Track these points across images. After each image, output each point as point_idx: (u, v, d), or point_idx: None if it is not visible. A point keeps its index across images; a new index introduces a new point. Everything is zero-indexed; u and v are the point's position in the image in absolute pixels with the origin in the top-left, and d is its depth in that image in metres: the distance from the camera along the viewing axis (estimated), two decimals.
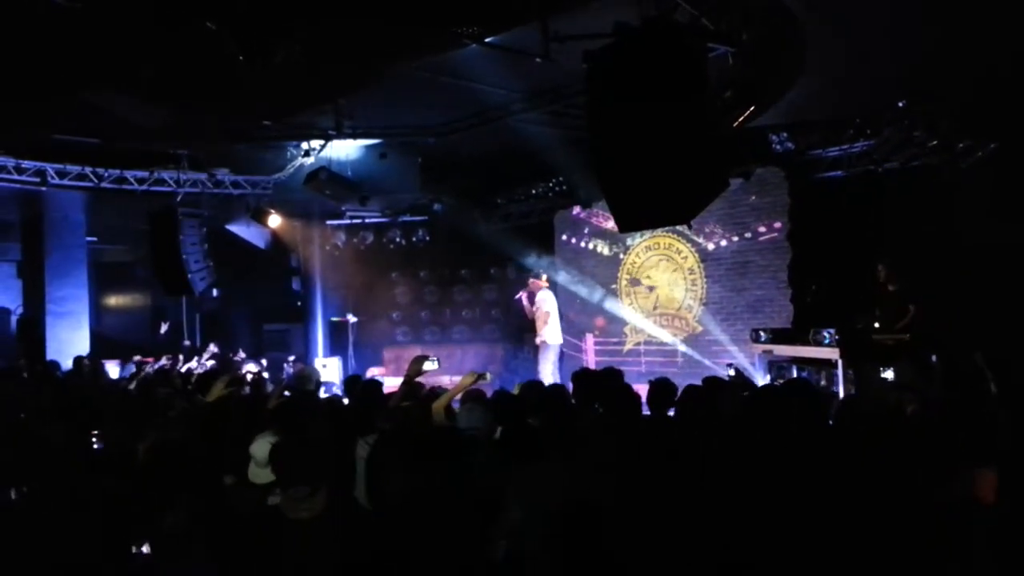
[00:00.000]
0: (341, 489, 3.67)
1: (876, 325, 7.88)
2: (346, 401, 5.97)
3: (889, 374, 5.82)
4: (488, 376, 5.35)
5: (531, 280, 11.34)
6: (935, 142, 8.67)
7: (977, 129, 8.41)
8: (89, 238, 13.63)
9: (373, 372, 13.12)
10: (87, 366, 9.77)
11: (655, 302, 12.28)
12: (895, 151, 9.12)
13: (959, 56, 7.38)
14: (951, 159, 8.68)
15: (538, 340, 10.99)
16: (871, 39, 7.04)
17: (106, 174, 11.40)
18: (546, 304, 10.93)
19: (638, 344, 12.46)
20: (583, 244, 13.21)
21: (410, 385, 4.82)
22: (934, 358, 7.09)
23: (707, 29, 6.40)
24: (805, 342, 8.08)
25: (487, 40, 7.26)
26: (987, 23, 6.62)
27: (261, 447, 3.72)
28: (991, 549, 2.91)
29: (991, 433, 3.76)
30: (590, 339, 13.03)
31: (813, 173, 10.23)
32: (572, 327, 13.31)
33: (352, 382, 6.46)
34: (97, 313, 14.76)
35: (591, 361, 12.83)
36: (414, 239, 14.45)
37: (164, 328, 9.32)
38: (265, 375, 9.47)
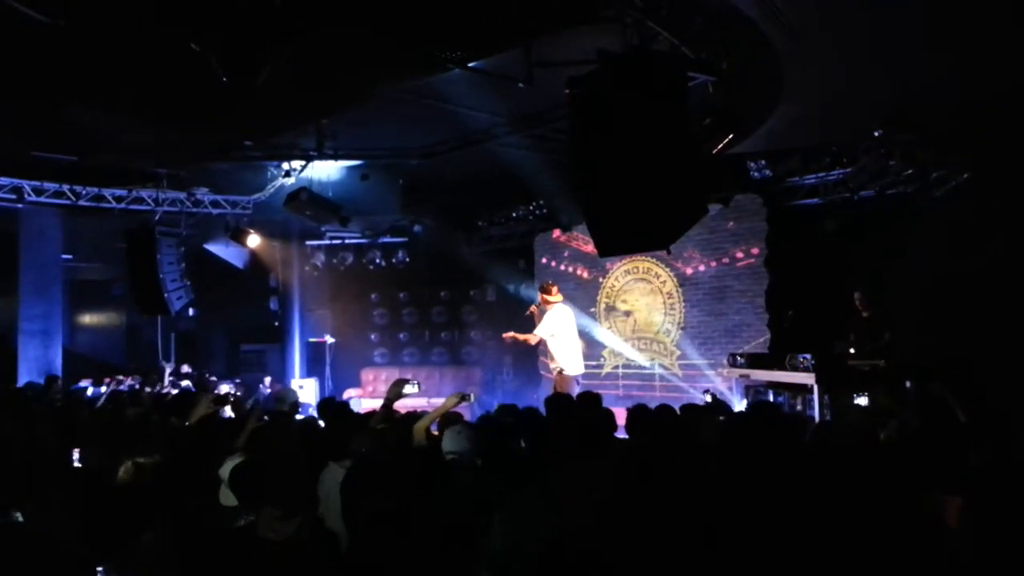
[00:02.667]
0: (314, 513, 3.63)
1: (851, 351, 7.95)
2: (321, 423, 5.93)
3: (863, 400, 5.86)
4: (471, 398, 5.34)
5: (540, 294, 9.18)
6: (910, 171, 8.80)
7: (951, 159, 8.56)
8: (65, 256, 13.49)
9: (351, 394, 13.06)
10: (59, 387, 9.65)
11: (633, 326, 12.32)
12: (871, 179, 9.26)
13: (935, 87, 7.53)
14: (925, 188, 8.82)
15: (555, 369, 9.02)
16: (849, 69, 7.17)
17: (84, 191, 11.34)
18: (556, 322, 8.84)
19: (616, 368, 12.48)
20: (563, 267, 13.24)
21: (389, 408, 4.80)
22: (908, 384, 7.16)
23: (687, 58, 6.49)
24: (781, 367, 8.13)
25: (470, 64, 7.32)
26: (962, 56, 6.77)
27: (227, 469, 3.69)
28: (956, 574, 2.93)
29: (960, 460, 3.80)
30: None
31: (790, 200, 10.36)
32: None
33: (327, 404, 6.42)
34: (71, 331, 14.58)
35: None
36: (394, 260, 14.43)
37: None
38: (241, 395, 9.38)
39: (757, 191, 10.51)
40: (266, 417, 5.22)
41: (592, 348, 12.78)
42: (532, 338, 8.92)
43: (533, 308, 9.26)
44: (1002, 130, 7.94)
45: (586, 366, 12.49)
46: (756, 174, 10.06)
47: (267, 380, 12.85)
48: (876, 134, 8.63)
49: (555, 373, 9.03)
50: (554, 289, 9.09)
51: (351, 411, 5.39)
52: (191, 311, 13.80)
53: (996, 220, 8.37)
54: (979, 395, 5.99)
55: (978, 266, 8.30)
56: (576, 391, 8.36)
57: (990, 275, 8.16)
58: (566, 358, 8.82)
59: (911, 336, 8.15)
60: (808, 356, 7.71)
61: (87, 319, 16.44)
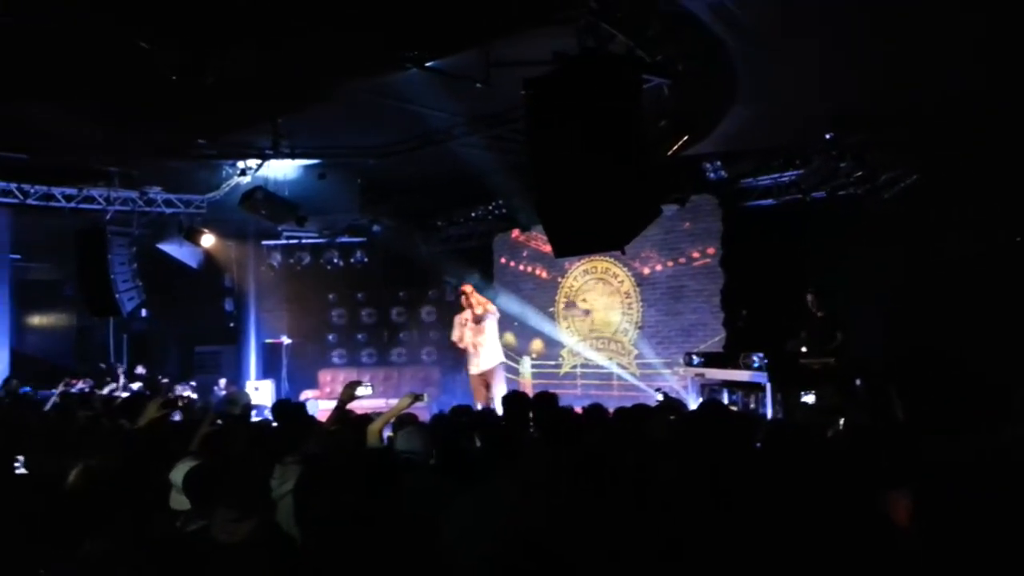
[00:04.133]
0: (268, 515, 3.60)
1: (803, 349, 8.09)
2: (275, 425, 5.87)
3: (811, 398, 5.99)
4: (425, 398, 5.33)
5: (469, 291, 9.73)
6: (860, 173, 8.99)
7: (900, 161, 8.76)
8: (13, 255, 13.16)
9: (308, 395, 12.94)
10: (14, 386, 9.44)
11: (591, 325, 12.40)
12: (822, 181, 9.43)
13: (885, 90, 7.70)
14: (875, 189, 9.02)
15: (494, 364, 9.59)
16: (802, 73, 7.29)
17: (32, 190, 11.07)
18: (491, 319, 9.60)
19: (575, 367, 12.55)
20: (521, 267, 13.28)
21: (342, 410, 4.77)
22: (858, 382, 7.32)
23: (643, 60, 6.56)
24: (736, 366, 8.26)
25: (428, 64, 7.31)
26: (910, 61, 6.93)
27: (179, 473, 3.64)
28: (904, 571, 3.00)
29: (909, 457, 3.88)
30: (527, 362, 13.06)
31: (745, 201, 10.52)
32: (510, 350, 13.35)
33: (281, 406, 6.36)
34: (19, 333, 14.22)
35: (528, 384, 12.86)
36: (352, 260, 14.31)
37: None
38: (194, 397, 9.25)
39: (712, 192, 10.65)
40: (219, 420, 5.15)
41: (551, 348, 12.85)
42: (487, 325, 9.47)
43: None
44: (950, 132, 8.15)
45: (545, 366, 12.63)
46: (711, 175, 10.19)
47: (222, 382, 12.68)
48: (827, 136, 8.80)
49: (486, 367, 9.51)
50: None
51: (305, 413, 5.35)
52: (143, 312, 13.57)
53: (945, 221, 8.59)
54: (931, 391, 6.16)
55: (928, 266, 8.52)
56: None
57: (940, 275, 8.37)
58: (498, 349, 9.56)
59: (862, 336, 8.31)
60: (761, 355, 7.85)
61: (36, 320, 16.05)
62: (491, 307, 9.61)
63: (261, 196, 10.22)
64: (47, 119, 8.56)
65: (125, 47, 5.84)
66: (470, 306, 9.51)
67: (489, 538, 3.29)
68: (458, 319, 9.76)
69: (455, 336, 9.73)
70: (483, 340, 9.49)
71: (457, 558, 3.33)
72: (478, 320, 9.44)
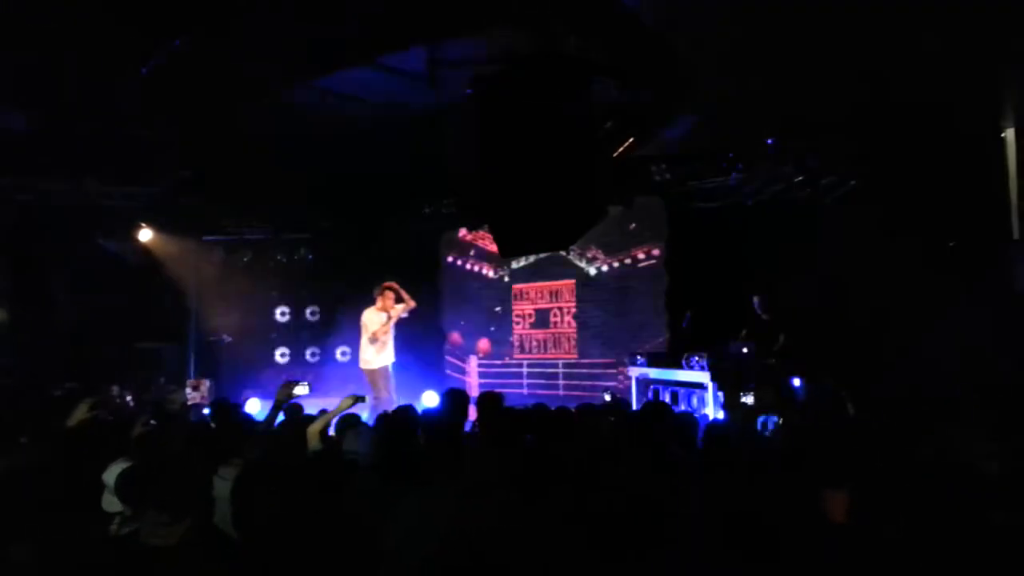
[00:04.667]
0: (203, 516, 3.52)
1: (744, 351, 8.23)
2: (213, 425, 5.75)
3: (749, 399, 6.11)
4: (367, 398, 5.29)
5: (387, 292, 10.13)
6: (800, 177, 9.18)
7: (840, 166, 8.96)
8: None
9: (251, 398, 12.70)
10: None
11: (537, 324, 12.44)
12: (765, 185, 9.61)
13: (828, 99, 7.86)
14: (815, 194, 9.21)
15: (389, 362, 10.08)
16: (747, 79, 7.40)
17: None
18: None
19: (520, 367, 12.57)
20: (468, 266, 13.26)
21: (280, 409, 4.69)
22: (796, 383, 7.47)
23: (591, 61, 6.58)
24: (679, 366, 8.37)
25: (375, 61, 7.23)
26: (850, 68, 7.09)
27: (112, 474, 3.54)
28: (840, 568, 3.06)
29: (845, 455, 3.97)
30: (473, 361, 13.05)
31: (689, 203, 10.65)
32: (456, 349, 13.32)
33: (218, 405, 6.23)
34: None
35: (475, 384, 12.84)
36: (296, 257, 14.11)
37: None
38: (128, 398, 9.01)
39: (659, 194, 10.76)
40: (153, 420, 5.03)
41: (498, 347, 12.85)
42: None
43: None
44: (889, 139, 8.36)
45: (492, 364, 12.63)
46: (658, 177, 10.30)
47: (161, 380, 12.38)
48: (769, 141, 8.97)
49: (389, 361, 10.00)
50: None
51: (244, 413, 5.25)
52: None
53: (884, 225, 8.81)
54: (867, 393, 6.31)
55: (868, 269, 8.73)
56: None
57: (880, 278, 8.58)
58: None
59: (803, 337, 8.48)
60: (703, 355, 7.97)
61: None
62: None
63: None
64: None
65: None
66: (400, 301, 10.04)
67: (432, 540, 3.27)
68: (379, 313, 10.04)
69: (381, 329, 9.94)
70: (387, 339, 10.06)
71: (400, 560, 3.31)
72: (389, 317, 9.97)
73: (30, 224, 11.35)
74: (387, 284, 10.14)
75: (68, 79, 7.58)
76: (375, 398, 9.58)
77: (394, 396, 9.78)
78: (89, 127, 9.37)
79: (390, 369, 10.05)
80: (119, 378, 12.11)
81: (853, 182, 8.93)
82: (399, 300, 10.11)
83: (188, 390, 11.69)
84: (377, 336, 9.88)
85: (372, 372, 9.89)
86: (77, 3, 5.34)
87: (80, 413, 5.09)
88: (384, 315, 9.96)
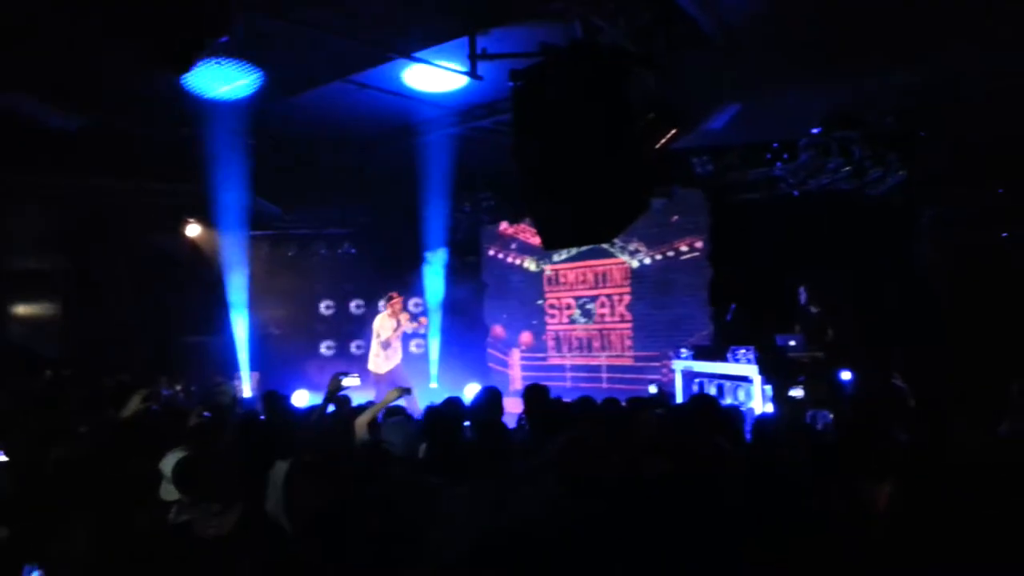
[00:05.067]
0: (254, 507, 3.59)
1: (792, 343, 8.13)
2: (263, 417, 5.85)
3: (799, 392, 6.02)
4: (412, 391, 5.33)
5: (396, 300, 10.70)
6: (848, 168, 9.02)
7: (888, 156, 8.79)
8: None
9: (301, 393, 12.87)
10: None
11: (580, 318, 12.41)
12: (810, 176, 9.46)
13: (873, 87, 7.72)
14: (862, 185, 9.05)
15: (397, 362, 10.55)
16: (790, 68, 7.30)
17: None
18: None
19: (563, 360, 12.56)
20: (510, 259, 13.27)
21: (330, 401, 4.75)
22: (847, 376, 7.36)
23: (631, 52, 6.53)
24: (724, 359, 8.29)
25: (414, 55, 7.27)
26: (896, 58, 6.95)
27: (169, 463, 3.63)
28: (883, 560, 3.01)
29: (891, 450, 3.91)
30: (516, 354, 13.07)
31: (732, 195, 10.53)
32: (499, 342, 13.35)
33: (269, 398, 6.33)
34: (2, 322, 14.10)
35: (517, 377, 12.87)
36: (339, 251, 14.27)
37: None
38: (178, 389, 9.20)
39: (701, 186, 10.65)
40: (207, 412, 5.13)
41: (539, 340, 12.86)
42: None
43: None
44: (936, 129, 8.19)
45: (534, 358, 12.63)
46: (699, 169, 10.20)
47: (212, 375, 12.60)
48: (815, 131, 8.83)
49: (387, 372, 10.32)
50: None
51: (292, 405, 5.33)
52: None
53: (932, 216, 8.65)
54: (917, 385, 6.20)
55: (916, 260, 8.58)
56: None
57: (928, 269, 8.43)
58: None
59: (852, 330, 8.35)
60: (751, 348, 7.88)
61: (21, 310, 15.89)
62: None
63: None
64: (27, 106, 8.46)
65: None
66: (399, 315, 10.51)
67: (476, 532, 3.28)
68: (390, 319, 10.47)
69: (393, 335, 10.42)
70: (397, 345, 10.58)
71: (445, 552, 3.33)
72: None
73: (82, 221, 11.64)
74: (393, 293, 10.70)
75: (118, 79, 7.75)
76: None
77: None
78: (138, 126, 9.58)
79: (395, 375, 10.40)
80: (168, 371, 12.36)
81: (902, 172, 8.75)
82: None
83: (237, 382, 11.89)
84: (390, 341, 10.35)
85: (380, 376, 10.27)
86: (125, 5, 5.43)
87: (134, 404, 5.21)
88: (395, 321, 10.39)
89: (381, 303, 10.79)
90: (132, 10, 5.30)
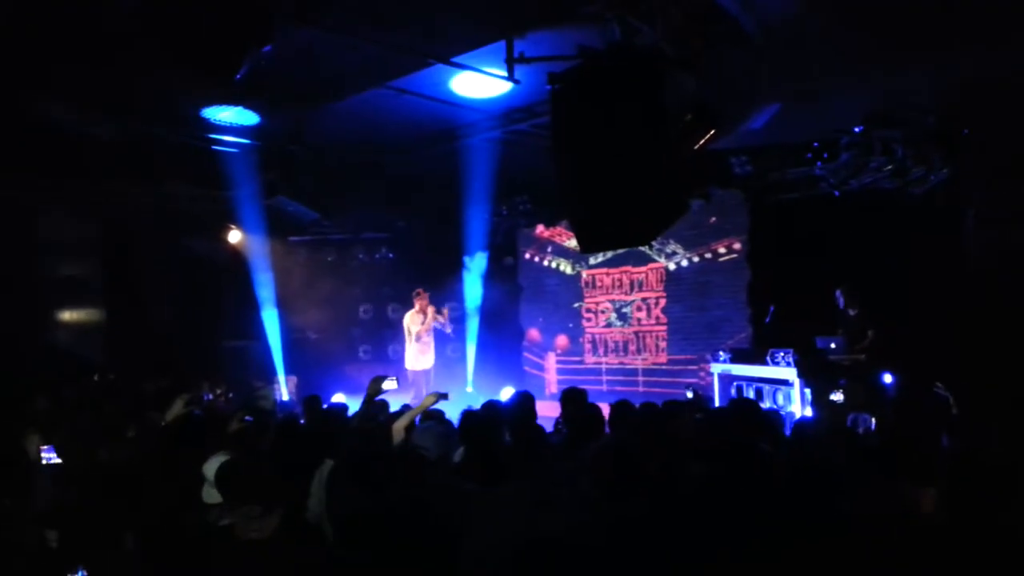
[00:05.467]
0: (295, 510, 3.62)
1: (832, 346, 8.01)
2: (302, 421, 5.90)
3: (839, 395, 5.93)
4: (450, 396, 5.34)
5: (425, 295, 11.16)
6: (890, 167, 8.87)
7: (931, 155, 8.62)
8: None
9: (339, 396, 12.98)
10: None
11: (615, 321, 12.36)
12: (851, 175, 9.31)
13: (914, 85, 7.59)
14: (905, 184, 8.89)
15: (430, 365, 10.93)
16: (830, 66, 7.20)
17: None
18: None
19: (599, 363, 12.51)
20: (546, 262, 13.26)
21: (370, 404, 4.79)
22: (888, 379, 7.23)
23: (668, 53, 6.49)
24: (763, 362, 8.19)
25: (451, 59, 7.30)
26: (937, 56, 6.83)
27: (213, 467, 3.67)
28: (930, 563, 2.96)
29: (935, 454, 3.85)
30: (552, 358, 13.05)
31: (771, 195, 10.39)
32: (534, 346, 13.34)
33: (310, 402, 6.40)
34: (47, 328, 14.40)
35: (553, 380, 12.85)
36: (377, 256, 14.37)
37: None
38: (219, 393, 9.33)
39: (739, 187, 10.54)
40: (248, 416, 5.19)
41: (575, 344, 12.82)
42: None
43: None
44: (980, 128, 8.02)
45: (569, 361, 12.60)
46: (738, 170, 10.09)
47: (253, 379, 12.74)
48: (857, 130, 8.69)
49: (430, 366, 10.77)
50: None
51: (333, 409, 5.38)
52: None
53: (976, 216, 8.46)
54: (957, 389, 6.07)
55: (960, 261, 8.40)
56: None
57: (972, 270, 8.25)
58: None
59: (894, 332, 8.20)
60: (789, 351, 7.78)
61: (66, 316, 16.22)
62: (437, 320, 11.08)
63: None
64: (65, 115, 8.65)
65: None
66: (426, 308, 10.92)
67: (511, 537, 3.28)
68: (418, 314, 10.98)
69: (423, 328, 10.90)
70: (430, 341, 10.99)
71: (480, 557, 3.33)
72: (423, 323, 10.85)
73: (123, 228, 11.85)
74: (419, 289, 11.13)
75: (158, 88, 7.89)
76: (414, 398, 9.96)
77: None
78: (177, 133, 9.75)
79: (431, 374, 10.82)
80: (209, 375, 12.54)
81: (945, 171, 8.57)
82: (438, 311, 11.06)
83: (276, 386, 12.04)
84: (420, 335, 10.71)
85: (416, 373, 10.61)
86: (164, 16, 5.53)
87: (176, 409, 5.28)
88: (423, 315, 10.76)
89: (413, 297, 11.18)
90: (175, 22, 5.40)
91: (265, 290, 13.86)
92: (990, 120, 7.91)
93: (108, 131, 9.20)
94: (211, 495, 3.71)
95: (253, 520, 3.11)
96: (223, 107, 9.08)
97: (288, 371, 13.66)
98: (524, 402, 5.14)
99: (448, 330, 11.65)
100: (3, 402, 7.14)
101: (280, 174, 11.03)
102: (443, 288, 14.47)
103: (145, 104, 8.69)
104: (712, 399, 9.01)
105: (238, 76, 5.39)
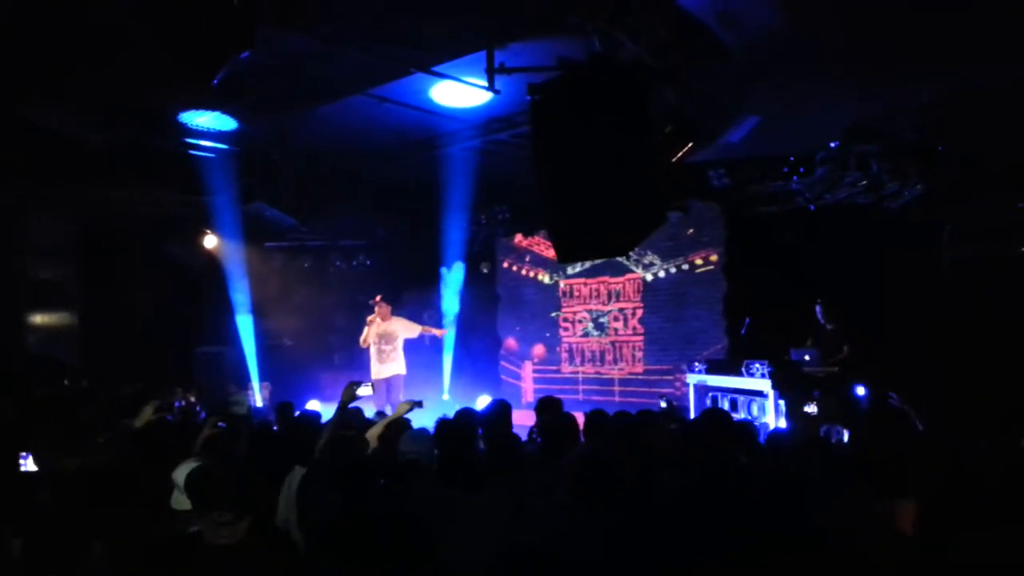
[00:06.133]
0: (265, 516, 3.58)
1: (806, 358, 8.07)
2: (276, 428, 5.86)
3: (813, 407, 5.98)
4: (424, 404, 5.33)
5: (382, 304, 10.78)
6: (865, 182, 8.98)
7: (906, 170, 8.74)
8: None
9: (313, 404, 12.89)
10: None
11: (592, 331, 12.38)
12: (827, 189, 9.41)
13: (892, 100, 7.69)
14: (879, 199, 9.00)
15: (397, 372, 10.53)
16: (810, 81, 7.28)
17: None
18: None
19: (576, 373, 12.53)
20: (524, 272, 13.27)
21: (344, 411, 4.75)
22: (861, 392, 7.30)
23: (649, 66, 6.54)
24: (738, 373, 8.24)
25: (432, 68, 7.31)
26: (915, 72, 6.92)
27: (182, 473, 3.63)
28: None
29: (912, 467, 3.87)
30: (528, 367, 13.05)
31: (749, 208, 10.49)
32: (511, 355, 13.34)
33: (282, 409, 6.35)
34: (20, 331, 14.21)
35: (529, 389, 12.84)
36: (354, 263, 14.31)
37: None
38: (192, 400, 9.23)
39: (717, 199, 10.62)
40: (221, 423, 5.14)
41: (552, 353, 12.83)
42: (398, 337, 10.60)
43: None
44: (955, 143, 8.14)
45: (546, 371, 12.61)
46: (716, 183, 10.17)
47: (226, 385, 12.63)
48: (833, 145, 8.79)
49: (389, 375, 10.38)
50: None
51: (306, 416, 5.34)
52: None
53: (950, 230, 8.59)
54: (934, 402, 6.13)
55: (933, 275, 8.51)
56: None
57: (945, 283, 8.36)
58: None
59: (867, 345, 8.28)
60: (764, 363, 7.84)
61: (39, 319, 16.00)
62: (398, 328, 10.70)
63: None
64: (53, 117, 8.57)
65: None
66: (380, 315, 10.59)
67: (488, 546, 3.27)
68: (368, 326, 10.68)
69: (370, 335, 10.60)
70: (389, 350, 10.50)
71: (456, 565, 3.32)
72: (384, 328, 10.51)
73: (100, 232, 11.74)
74: (376, 297, 10.80)
75: (137, 92, 7.84)
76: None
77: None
78: (154, 139, 9.68)
79: (397, 382, 10.48)
80: (183, 381, 12.40)
81: (919, 186, 8.69)
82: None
83: (250, 392, 11.94)
84: (378, 344, 10.46)
85: (376, 383, 10.14)
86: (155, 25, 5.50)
87: (146, 415, 5.22)
88: (376, 324, 10.51)
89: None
90: (155, 26, 5.37)
91: (241, 296, 13.75)
92: (967, 134, 8.02)
93: (88, 135, 9.13)
94: (180, 502, 3.67)
95: (222, 526, 3.08)
96: (201, 112, 9.05)
97: (263, 377, 13.55)
98: (500, 410, 5.13)
99: (439, 333, 11.49)
100: None
101: (259, 180, 10.95)
102: (421, 296, 14.45)
103: (125, 108, 8.62)
104: (687, 409, 9.05)
105: (215, 81, 5.35)
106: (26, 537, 3.19)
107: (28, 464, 4.38)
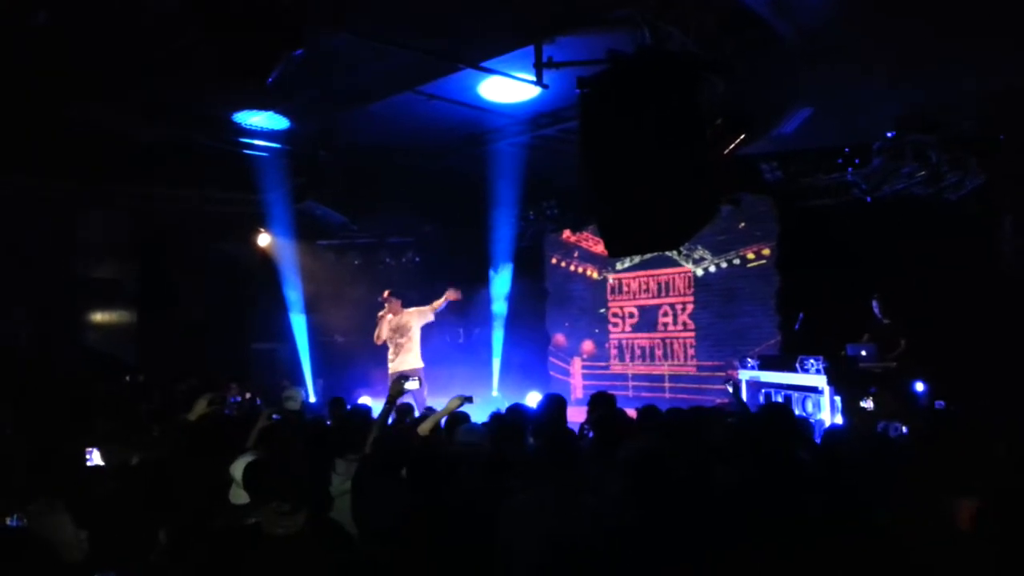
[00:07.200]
0: (321, 509, 3.63)
1: (863, 353, 7.90)
2: (329, 422, 5.92)
3: (870, 403, 5.84)
4: (474, 399, 5.34)
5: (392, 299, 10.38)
6: (923, 173, 8.74)
7: (966, 161, 8.49)
8: None
9: (361, 394, 13.03)
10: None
11: (642, 327, 12.29)
12: (884, 181, 9.19)
13: (950, 89, 7.48)
14: (938, 191, 8.76)
15: (414, 366, 10.10)
16: (864, 72, 7.13)
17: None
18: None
19: (626, 369, 12.45)
20: (572, 267, 13.23)
21: (393, 405, 4.79)
22: (920, 388, 7.13)
23: (699, 58, 6.46)
24: (792, 369, 8.10)
25: (481, 64, 7.32)
26: (973, 62, 6.73)
27: (239, 467, 3.69)
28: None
29: (974, 463, 3.77)
30: (577, 363, 13.01)
31: (802, 201, 10.29)
32: (560, 351, 13.31)
33: (334, 403, 6.42)
34: (80, 329, 14.62)
35: (579, 385, 12.81)
36: (403, 260, 14.42)
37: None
38: (248, 395, 9.39)
39: (769, 192, 10.45)
40: (275, 416, 5.22)
41: (601, 348, 12.77)
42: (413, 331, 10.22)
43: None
44: (1018, 132, 7.89)
45: (595, 367, 12.55)
46: (768, 175, 10.01)
47: (280, 380, 12.83)
48: (889, 135, 8.58)
49: (403, 368, 9.87)
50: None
51: (359, 410, 5.39)
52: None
53: (1014, 223, 8.32)
54: (992, 398, 5.96)
55: (995, 269, 8.26)
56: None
57: (1008, 278, 8.11)
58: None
59: (923, 339, 8.08)
60: (820, 359, 7.69)
61: (98, 317, 16.44)
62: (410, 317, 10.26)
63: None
64: (106, 119, 8.79)
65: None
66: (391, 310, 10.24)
67: (542, 538, 3.27)
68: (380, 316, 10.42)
69: (382, 331, 10.30)
70: (404, 342, 10.16)
71: (509, 558, 3.32)
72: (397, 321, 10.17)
73: (155, 230, 12.02)
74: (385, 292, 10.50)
75: (191, 93, 8.00)
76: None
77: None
78: (213, 139, 9.88)
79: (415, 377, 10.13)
80: (237, 376, 12.64)
81: (981, 177, 8.43)
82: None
83: (303, 388, 12.12)
84: (391, 338, 10.22)
85: (390, 376, 10.06)
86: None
87: (200, 408, 5.30)
88: (386, 319, 10.25)
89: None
90: (209, 26, 5.47)
91: (293, 293, 13.96)
92: None
93: (144, 134, 9.34)
94: (238, 495, 3.73)
95: (281, 517, 3.12)
96: (254, 111, 9.20)
97: (315, 373, 13.75)
98: (556, 404, 5.12)
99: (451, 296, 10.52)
100: (53, 403, 7.26)
101: (309, 178, 11.10)
102: (469, 292, 14.48)
103: (180, 108, 8.81)
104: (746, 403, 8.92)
105: (269, 80, 5.43)
106: (92, 529, 3.26)
107: (94, 458, 4.48)
